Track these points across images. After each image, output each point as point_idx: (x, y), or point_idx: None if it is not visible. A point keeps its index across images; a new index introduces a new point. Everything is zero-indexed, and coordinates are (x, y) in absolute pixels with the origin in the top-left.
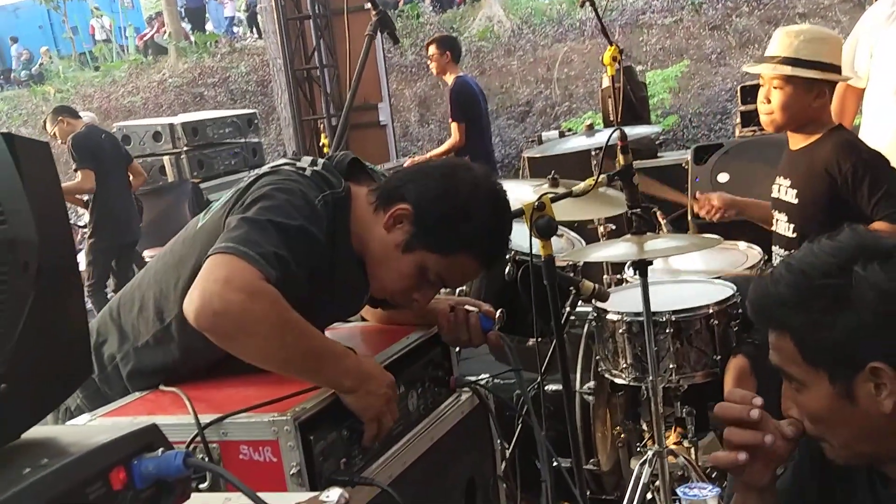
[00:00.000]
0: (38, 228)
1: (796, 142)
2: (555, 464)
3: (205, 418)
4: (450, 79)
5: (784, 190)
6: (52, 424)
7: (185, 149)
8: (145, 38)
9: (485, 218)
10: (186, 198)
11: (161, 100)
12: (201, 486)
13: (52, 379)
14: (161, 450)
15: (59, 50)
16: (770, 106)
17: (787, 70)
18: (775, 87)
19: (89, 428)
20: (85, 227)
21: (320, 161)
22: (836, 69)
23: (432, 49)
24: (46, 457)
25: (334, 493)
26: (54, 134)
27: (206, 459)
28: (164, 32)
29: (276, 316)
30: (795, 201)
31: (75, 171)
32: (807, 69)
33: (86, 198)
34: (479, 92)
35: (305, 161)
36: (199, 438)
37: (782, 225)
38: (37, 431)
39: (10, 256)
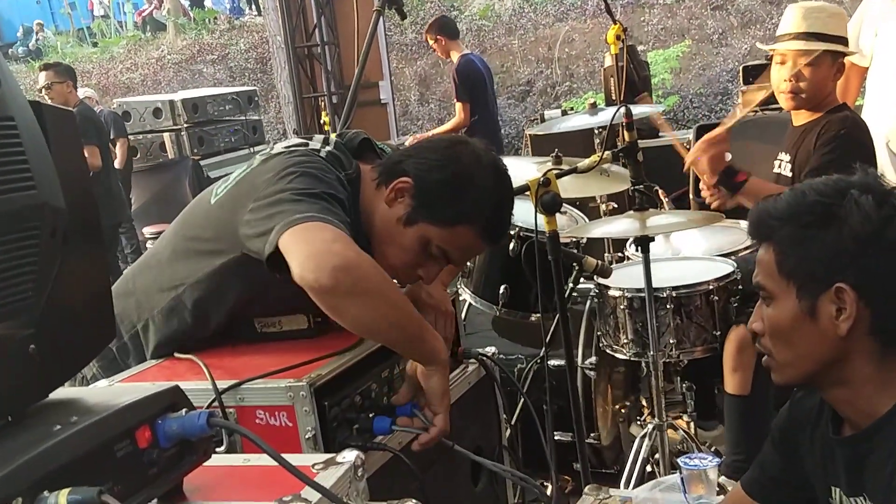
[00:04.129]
0: (64, 194)
1: (800, 118)
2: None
3: (222, 384)
4: (455, 58)
5: (784, 165)
6: None
7: (185, 125)
8: (144, 15)
9: (486, 189)
10: (186, 174)
11: (160, 76)
12: (218, 449)
13: (77, 341)
14: (185, 410)
15: (57, 25)
16: (800, 83)
17: (822, 46)
18: (808, 65)
19: (114, 389)
20: None
21: (332, 139)
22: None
23: (429, 38)
24: (76, 415)
25: (350, 454)
26: (47, 87)
27: None
28: (163, 9)
29: (382, 275)
30: (790, 175)
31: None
32: (836, 44)
33: None
34: (484, 70)
35: (318, 141)
36: (216, 403)
37: None
38: (64, 392)
39: (39, 221)
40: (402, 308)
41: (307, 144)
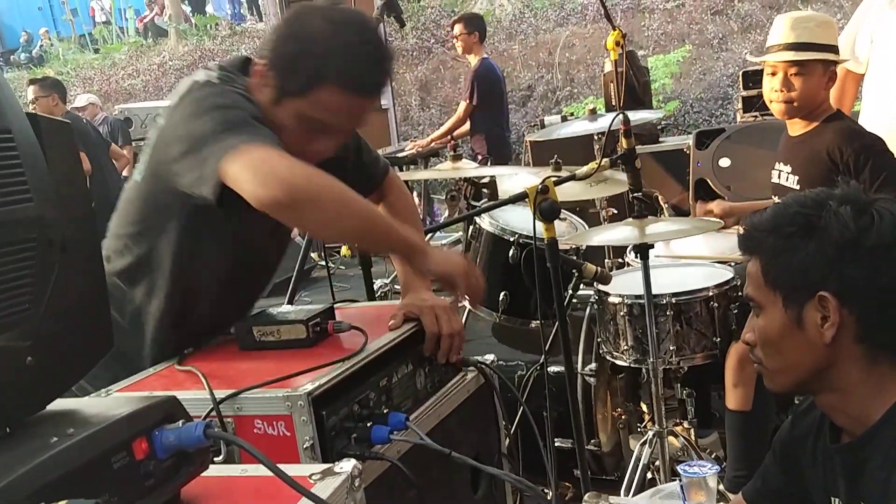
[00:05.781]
0: (61, 206)
1: (796, 128)
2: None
3: (219, 394)
4: (474, 60)
5: (785, 176)
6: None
7: None
8: (145, 21)
9: (332, 44)
10: None
11: (161, 83)
12: (216, 458)
13: (75, 352)
14: (182, 421)
15: (59, 32)
16: (791, 94)
17: (811, 55)
18: (797, 74)
19: (111, 400)
20: None
21: (213, 65)
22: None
23: (459, 28)
24: (72, 427)
25: (347, 464)
26: (33, 101)
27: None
28: (165, 15)
29: (334, 183)
30: (797, 187)
31: None
32: (826, 52)
33: None
34: (501, 77)
35: (202, 72)
36: (214, 413)
37: None
38: (61, 403)
39: (36, 234)
40: (363, 209)
41: (195, 80)
